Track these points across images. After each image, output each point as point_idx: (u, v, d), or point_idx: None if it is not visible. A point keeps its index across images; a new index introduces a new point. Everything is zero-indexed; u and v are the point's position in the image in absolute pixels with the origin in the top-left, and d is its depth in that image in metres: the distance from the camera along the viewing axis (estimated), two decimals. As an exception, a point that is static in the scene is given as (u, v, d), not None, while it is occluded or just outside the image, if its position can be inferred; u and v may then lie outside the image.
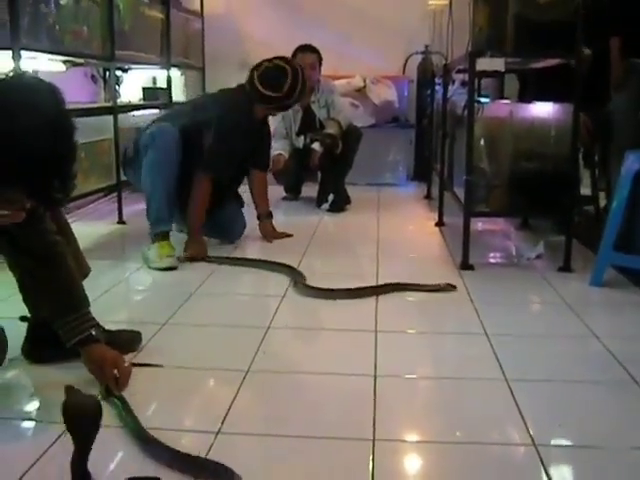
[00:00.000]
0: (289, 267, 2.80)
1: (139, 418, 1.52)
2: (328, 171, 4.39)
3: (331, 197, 4.41)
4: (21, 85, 1.41)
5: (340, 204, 4.34)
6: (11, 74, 1.49)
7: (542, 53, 2.76)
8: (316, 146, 4.21)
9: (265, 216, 3.45)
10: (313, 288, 2.54)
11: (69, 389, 1.30)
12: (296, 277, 2.67)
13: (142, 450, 1.41)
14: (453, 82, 3.85)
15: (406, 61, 5.60)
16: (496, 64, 2.79)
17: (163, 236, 2.97)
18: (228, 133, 3.04)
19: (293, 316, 2.35)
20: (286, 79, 3.13)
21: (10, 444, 1.29)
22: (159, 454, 1.38)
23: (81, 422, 1.25)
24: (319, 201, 4.46)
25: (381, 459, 1.39)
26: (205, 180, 3.05)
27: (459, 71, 3.51)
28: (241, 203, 3.48)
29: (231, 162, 3.13)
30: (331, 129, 4.20)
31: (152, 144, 2.98)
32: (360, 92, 5.21)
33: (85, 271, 1.93)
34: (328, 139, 4.16)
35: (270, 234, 3.42)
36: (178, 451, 1.37)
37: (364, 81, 5.21)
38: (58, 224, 1.79)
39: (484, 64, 2.76)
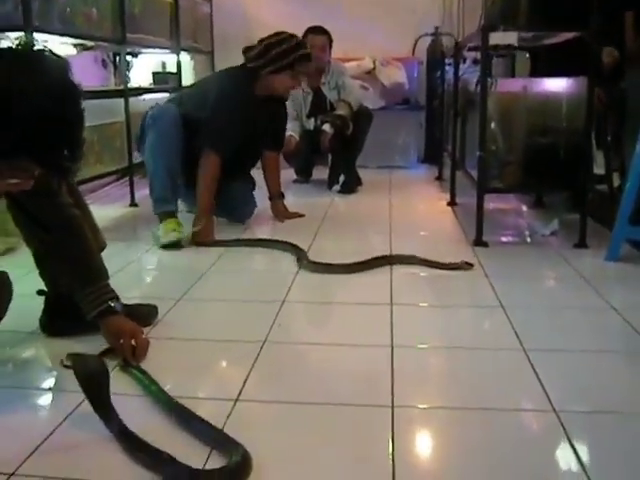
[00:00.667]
0: (292, 245, 2.79)
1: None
2: (339, 153, 4.37)
3: (342, 178, 4.40)
4: (28, 53, 1.41)
5: (351, 185, 4.32)
6: (19, 42, 1.47)
7: (556, 26, 2.73)
8: (327, 128, 4.18)
9: (277, 196, 3.45)
10: (316, 263, 2.56)
11: (71, 356, 1.31)
12: (300, 254, 2.67)
13: (167, 416, 1.43)
14: (464, 61, 3.82)
15: (416, 42, 5.56)
16: (509, 38, 2.76)
17: (168, 215, 2.97)
18: (223, 106, 3.00)
19: (308, 290, 2.34)
20: (271, 37, 3.13)
21: (29, 414, 1.29)
22: (185, 420, 1.40)
23: (93, 379, 1.32)
24: (330, 183, 4.44)
25: (400, 425, 1.39)
26: (208, 158, 2.99)
27: (470, 49, 3.49)
28: (252, 184, 3.48)
29: (230, 136, 3.04)
30: (341, 110, 4.18)
31: (152, 125, 3.00)
32: (370, 74, 5.19)
33: (101, 245, 1.93)
34: (338, 120, 4.14)
35: (282, 214, 3.42)
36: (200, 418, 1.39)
37: (374, 63, 5.19)
38: (74, 198, 1.79)
39: (497, 38, 2.73)
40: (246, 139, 3.18)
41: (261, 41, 3.14)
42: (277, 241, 2.89)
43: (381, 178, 4.81)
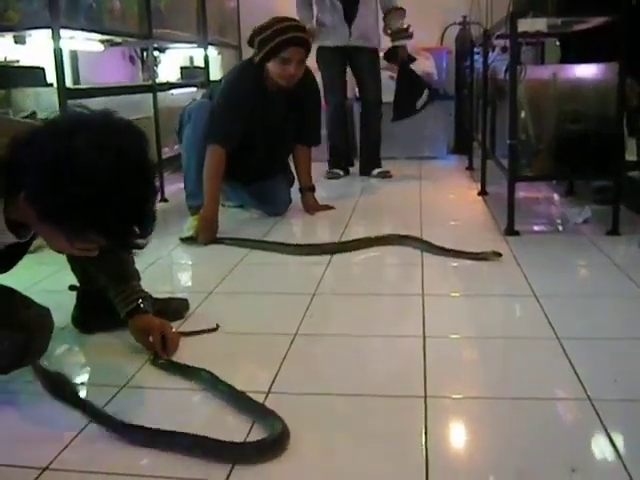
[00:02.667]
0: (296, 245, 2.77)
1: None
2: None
3: (376, 171, 4.43)
4: (107, 124, 1.30)
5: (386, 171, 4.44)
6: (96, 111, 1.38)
7: (586, 11, 2.68)
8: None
9: (307, 189, 3.43)
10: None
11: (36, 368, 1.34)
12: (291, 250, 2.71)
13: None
14: (493, 49, 3.78)
15: (444, 32, 5.51)
16: (538, 25, 2.72)
17: (197, 209, 3.02)
18: (225, 98, 3.00)
19: (339, 282, 2.34)
20: (261, 25, 3.07)
21: (62, 408, 1.30)
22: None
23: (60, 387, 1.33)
24: (366, 169, 4.52)
25: (434, 415, 1.38)
26: (210, 150, 2.96)
27: (499, 37, 3.44)
28: (289, 180, 3.48)
29: (232, 128, 3.00)
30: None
31: (188, 120, 3.04)
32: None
33: None
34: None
35: (312, 207, 3.41)
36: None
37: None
38: None
39: (526, 25, 2.69)
40: (266, 132, 3.16)
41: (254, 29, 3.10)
42: (281, 243, 2.82)
43: (411, 169, 4.78)
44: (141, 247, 1.39)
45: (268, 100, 3.08)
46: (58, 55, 2.87)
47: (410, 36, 4.35)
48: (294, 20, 3.14)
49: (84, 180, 1.21)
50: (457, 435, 1.37)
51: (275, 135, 3.23)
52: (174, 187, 4.19)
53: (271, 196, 3.32)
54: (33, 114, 1.79)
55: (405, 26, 4.33)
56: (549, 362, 1.64)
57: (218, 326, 1.85)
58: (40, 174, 1.23)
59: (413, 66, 4.76)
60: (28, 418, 1.44)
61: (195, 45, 4.71)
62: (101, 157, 1.22)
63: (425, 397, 1.45)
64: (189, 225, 2.98)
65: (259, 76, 3.05)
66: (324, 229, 3.09)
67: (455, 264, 2.48)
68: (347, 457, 1.26)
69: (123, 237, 1.34)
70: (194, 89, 4.58)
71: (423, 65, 5.15)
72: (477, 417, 1.42)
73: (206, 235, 2.89)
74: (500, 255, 2.49)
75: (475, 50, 4.50)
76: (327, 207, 3.43)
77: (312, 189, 3.45)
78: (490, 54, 3.71)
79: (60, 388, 1.32)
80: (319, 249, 2.68)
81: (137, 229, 1.33)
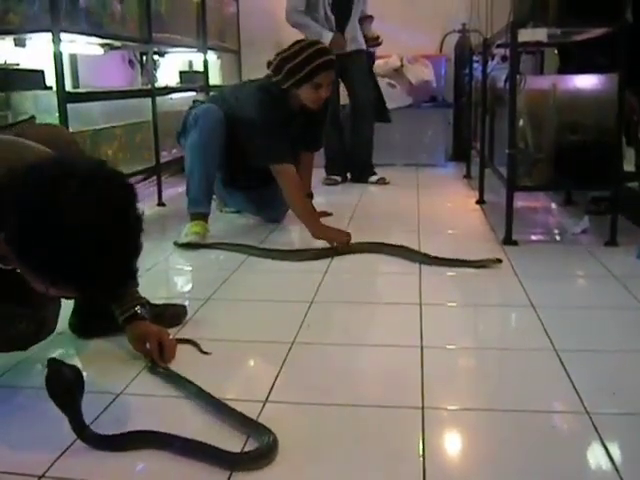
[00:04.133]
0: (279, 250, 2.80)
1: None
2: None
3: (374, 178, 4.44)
4: (96, 179, 1.24)
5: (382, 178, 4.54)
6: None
7: (587, 22, 2.69)
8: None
9: (306, 196, 3.43)
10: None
11: (51, 361, 1.31)
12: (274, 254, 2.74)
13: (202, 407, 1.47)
14: (492, 57, 3.78)
15: (443, 40, 5.52)
16: (538, 35, 2.73)
17: (198, 216, 3.02)
18: (269, 121, 2.96)
19: (336, 291, 2.33)
20: (287, 49, 3.04)
21: (58, 415, 1.29)
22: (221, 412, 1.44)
23: (62, 390, 1.29)
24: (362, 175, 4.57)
25: (431, 426, 1.38)
26: (285, 171, 2.94)
27: (499, 46, 3.45)
28: None
29: (288, 147, 3.01)
30: None
31: (195, 125, 3.01)
32: (397, 72, 5.16)
33: None
34: None
35: None
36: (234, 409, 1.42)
37: (401, 61, 5.16)
38: None
39: (526, 35, 2.70)
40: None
41: (278, 54, 3.06)
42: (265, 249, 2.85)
43: (408, 176, 4.79)
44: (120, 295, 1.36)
45: (289, 120, 3.07)
46: (58, 58, 2.87)
47: (380, 44, 4.64)
48: (319, 43, 3.11)
49: (61, 235, 1.17)
50: (455, 447, 1.36)
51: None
52: (172, 191, 4.21)
53: (270, 202, 3.32)
54: (32, 118, 1.78)
55: (376, 35, 4.59)
56: (546, 374, 1.63)
57: (210, 354, 1.82)
58: (19, 221, 1.20)
59: (413, 72, 4.81)
60: (24, 425, 1.44)
61: (195, 50, 4.71)
62: (82, 213, 1.18)
63: (423, 408, 1.45)
64: (187, 231, 2.97)
65: (285, 98, 3.03)
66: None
67: (452, 273, 2.48)
68: (344, 467, 1.25)
69: (98, 293, 1.32)
70: (193, 93, 4.58)
71: (421, 72, 5.17)
72: (475, 429, 1.41)
73: (346, 239, 2.84)
74: (500, 261, 2.49)
75: (474, 58, 4.51)
76: (324, 213, 3.43)
77: (310, 196, 3.45)
78: (489, 63, 3.72)
79: (63, 393, 1.31)
80: (298, 255, 2.72)
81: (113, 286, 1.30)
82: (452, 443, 1.37)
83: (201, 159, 3.01)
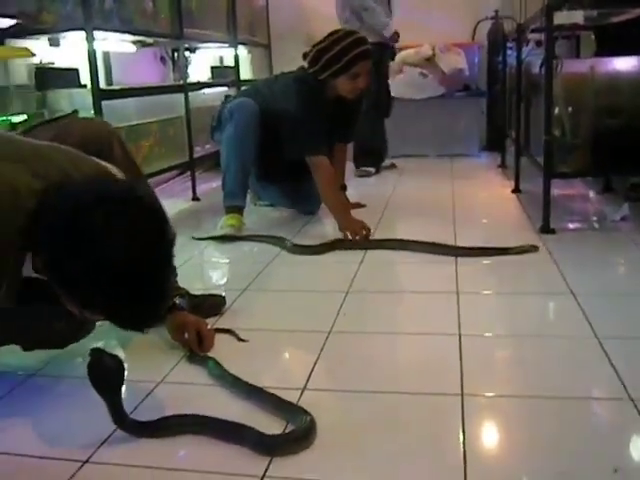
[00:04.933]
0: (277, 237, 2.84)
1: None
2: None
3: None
4: (129, 202, 1.24)
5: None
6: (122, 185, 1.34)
7: (625, 2, 2.63)
8: None
9: (340, 188, 3.41)
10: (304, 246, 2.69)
11: (93, 350, 1.32)
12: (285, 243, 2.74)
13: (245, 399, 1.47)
14: (527, 43, 3.73)
15: (476, 27, 5.45)
16: (575, 17, 2.67)
17: (234, 209, 3.04)
18: (308, 112, 2.95)
19: (372, 280, 2.32)
20: (323, 40, 3.02)
21: (101, 404, 1.31)
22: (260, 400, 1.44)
23: (103, 379, 1.30)
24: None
25: (470, 413, 1.36)
26: (319, 162, 2.95)
27: (533, 31, 3.39)
28: None
29: (324, 138, 3.01)
30: None
31: (231, 119, 3.01)
32: (429, 61, 5.11)
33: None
34: None
35: None
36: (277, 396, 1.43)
37: (433, 50, 5.11)
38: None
39: (562, 18, 2.65)
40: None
41: (314, 45, 3.05)
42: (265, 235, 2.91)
43: (442, 167, 4.75)
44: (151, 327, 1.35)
45: (325, 111, 3.05)
46: (92, 56, 2.90)
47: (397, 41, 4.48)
48: (356, 33, 3.07)
49: (93, 264, 1.17)
50: (495, 434, 1.34)
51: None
52: (206, 186, 4.24)
53: (305, 195, 3.31)
54: (75, 112, 1.81)
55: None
56: (588, 361, 1.60)
57: (247, 341, 1.82)
58: (53, 246, 1.20)
59: (445, 61, 4.76)
60: (69, 412, 1.46)
61: (225, 45, 4.73)
62: (113, 245, 1.18)
63: (462, 395, 1.44)
64: (222, 223, 2.99)
65: (322, 90, 3.03)
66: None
67: (489, 262, 2.45)
68: (383, 454, 1.24)
69: (127, 322, 1.31)
70: (225, 88, 4.59)
71: (454, 61, 5.12)
72: (515, 416, 1.39)
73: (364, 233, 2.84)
74: (537, 248, 2.46)
75: (508, 45, 4.45)
76: (358, 205, 3.41)
77: (344, 188, 3.43)
78: (524, 48, 3.66)
79: (107, 382, 1.32)
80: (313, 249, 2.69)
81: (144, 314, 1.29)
82: (492, 430, 1.36)
83: (237, 152, 3.02)
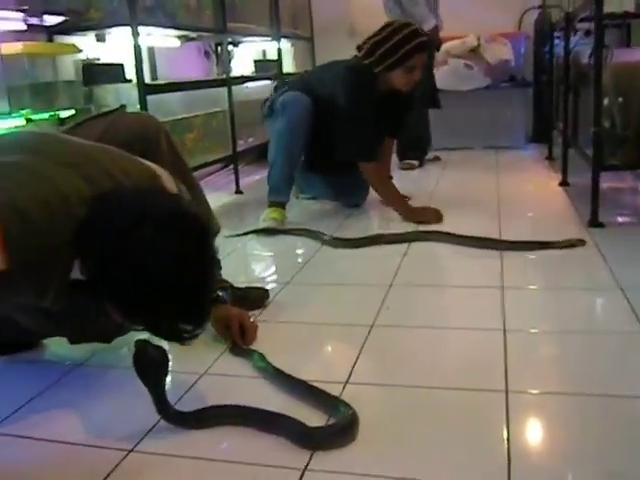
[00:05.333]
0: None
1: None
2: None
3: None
4: (171, 217, 1.25)
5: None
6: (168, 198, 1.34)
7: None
8: None
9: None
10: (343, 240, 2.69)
11: (138, 342, 1.33)
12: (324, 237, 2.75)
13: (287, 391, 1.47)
14: (575, 32, 3.64)
15: (522, 17, 5.36)
16: (626, 4, 2.60)
17: (276, 204, 3.06)
18: (358, 118, 2.94)
19: (415, 274, 2.30)
20: (378, 32, 2.99)
21: (147, 394, 1.33)
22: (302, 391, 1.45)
23: (148, 369, 1.32)
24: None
25: (515, 410, 1.34)
26: (366, 169, 3.01)
27: (582, 20, 3.32)
28: None
29: (372, 142, 3.02)
30: None
31: (283, 112, 3.01)
32: (474, 52, 5.03)
33: (215, 229, 1.96)
34: None
35: None
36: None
37: (478, 40, 5.03)
38: (188, 185, 1.81)
39: (612, 6, 2.58)
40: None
41: (369, 38, 3.02)
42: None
43: (487, 159, 4.68)
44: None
45: (377, 104, 3.03)
46: (137, 52, 2.94)
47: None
48: (411, 25, 3.03)
49: (138, 279, 1.19)
50: (541, 432, 1.32)
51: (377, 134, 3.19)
52: (249, 179, 4.26)
53: (351, 187, 3.30)
54: (122, 107, 1.83)
55: None
56: (638, 358, 1.57)
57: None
58: (100, 259, 1.22)
59: (491, 52, 4.68)
60: (115, 402, 1.49)
61: (268, 38, 4.73)
62: (161, 259, 1.19)
63: (507, 392, 1.41)
64: (265, 216, 3.00)
65: (375, 81, 3.00)
66: (398, 220, 3.04)
67: (534, 256, 2.41)
68: (425, 450, 1.24)
69: (167, 336, 1.32)
70: (268, 82, 4.60)
71: (500, 52, 5.04)
72: (562, 414, 1.36)
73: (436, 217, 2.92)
74: (584, 242, 2.41)
75: (555, 34, 4.36)
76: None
77: (390, 178, 3.40)
78: (572, 38, 3.58)
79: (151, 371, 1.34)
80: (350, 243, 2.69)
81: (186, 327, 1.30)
82: (538, 428, 1.33)
83: (285, 148, 3.02)
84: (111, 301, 1.26)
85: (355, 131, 2.95)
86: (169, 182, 1.50)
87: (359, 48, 3.04)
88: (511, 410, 1.34)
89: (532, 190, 3.69)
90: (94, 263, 1.24)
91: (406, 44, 2.92)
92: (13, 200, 1.20)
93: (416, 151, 4.54)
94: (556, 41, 4.34)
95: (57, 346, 1.73)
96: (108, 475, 1.20)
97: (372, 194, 3.33)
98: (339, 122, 2.96)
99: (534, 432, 1.31)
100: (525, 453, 1.21)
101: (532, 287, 2.13)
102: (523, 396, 1.41)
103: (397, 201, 3.04)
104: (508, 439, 1.24)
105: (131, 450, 1.28)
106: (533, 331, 1.76)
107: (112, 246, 1.20)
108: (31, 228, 1.19)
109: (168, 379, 1.36)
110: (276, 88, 3.22)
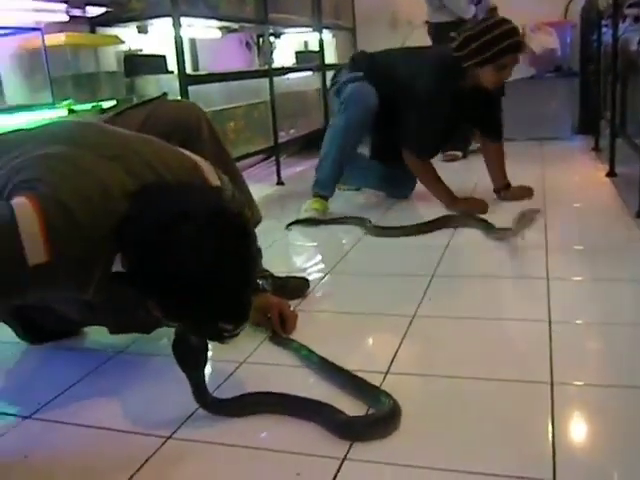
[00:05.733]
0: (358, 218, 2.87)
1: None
2: None
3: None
4: (212, 217, 1.21)
5: None
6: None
7: None
8: None
9: (503, 188, 3.23)
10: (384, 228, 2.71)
11: (178, 330, 1.32)
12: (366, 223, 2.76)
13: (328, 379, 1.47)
14: (624, 19, 3.54)
15: (568, 4, 5.24)
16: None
17: (320, 196, 3.05)
18: (428, 114, 2.89)
19: (458, 264, 2.26)
20: (474, 27, 2.89)
21: (185, 382, 1.32)
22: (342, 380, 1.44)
23: (188, 357, 1.32)
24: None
25: (561, 402, 1.30)
26: (418, 165, 2.98)
27: (631, 6, 3.22)
28: None
29: (434, 144, 2.99)
30: None
31: (345, 109, 2.99)
32: (519, 41, 4.94)
33: (257, 219, 1.95)
34: None
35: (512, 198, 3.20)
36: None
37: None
38: (230, 175, 1.80)
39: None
40: (447, 131, 3.11)
41: (464, 31, 2.91)
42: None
43: (532, 151, 4.60)
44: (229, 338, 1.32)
45: (456, 101, 2.94)
46: (178, 43, 2.95)
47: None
48: (508, 22, 2.91)
49: (178, 278, 1.17)
50: (587, 425, 1.28)
51: (447, 131, 3.16)
52: (290, 171, 4.25)
53: (403, 178, 3.25)
54: (164, 95, 1.83)
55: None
56: (690, 350, 1.51)
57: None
58: (141, 257, 1.21)
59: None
60: (154, 388, 1.49)
61: (310, 29, 4.71)
62: (199, 257, 1.17)
63: (552, 384, 1.38)
64: (307, 206, 3.00)
65: (461, 75, 2.91)
66: (439, 214, 2.99)
67: (580, 247, 2.35)
68: (466, 441, 1.21)
69: (208, 334, 1.30)
70: (309, 73, 4.59)
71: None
72: (609, 407, 1.32)
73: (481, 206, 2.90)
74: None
75: (603, 22, 4.25)
76: (526, 191, 3.20)
77: (508, 186, 3.21)
78: (620, 25, 3.48)
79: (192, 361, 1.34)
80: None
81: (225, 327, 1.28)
82: (584, 421, 1.29)
83: (339, 146, 3.02)
84: (150, 298, 1.25)
85: (420, 120, 2.91)
86: (211, 174, 1.48)
87: (452, 39, 2.95)
88: (556, 402, 1.30)
89: (578, 181, 3.61)
90: (135, 261, 1.23)
91: (501, 42, 2.82)
92: (57, 193, 1.19)
93: (460, 142, 4.47)
94: (604, 29, 4.24)
95: (98, 334, 1.74)
96: (146, 461, 1.20)
97: (420, 186, 3.29)
98: (410, 107, 2.91)
99: (580, 425, 1.27)
100: (570, 447, 1.18)
101: (577, 278, 2.07)
102: (568, 388, 1.37)
103: (444, 197, 2.99)
104: (553, 432, 1.20)
105: (169, 437, 1.28)
106: (579, 322, 1.71)
107: (151, 244, 1.19)
108: (74, 222, 1.18)
109: (207, 367, 1.36)
110: (352, 60, 3.15)
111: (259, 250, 1.81)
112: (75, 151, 1.32)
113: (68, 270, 1.20)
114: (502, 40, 2.82)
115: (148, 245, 1.19)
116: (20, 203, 1.17)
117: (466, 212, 2.81)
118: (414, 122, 2.94)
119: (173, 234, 1.17)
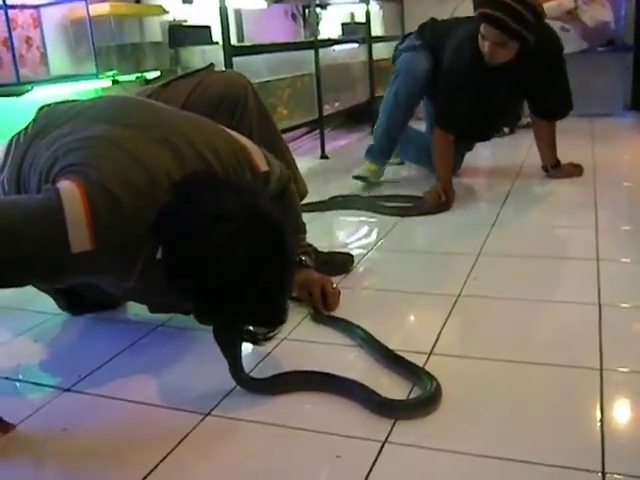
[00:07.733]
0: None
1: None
2: None
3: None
4: (248, 218, 1.18)
5: None
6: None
7: None
8: None
9: (552, 166, 3.12)
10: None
11: None
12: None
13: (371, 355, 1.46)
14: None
15: (624, -24, 5.07)
16: None
17: (375, 161, 3.07)
18: (454, 89, 2.79)
19: (506, 243, 2.20)
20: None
21: (224, 361, 1.31)
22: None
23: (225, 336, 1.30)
24: None
25: (610, 389, 1.26)
26: (439, 135, 2.85)
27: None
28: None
29: (461, 116, 2.83)
30: None
31: (395, 80, 2.98)
32: (571, 14, 4.77)
33: (302, 192, 1.92)
34: None
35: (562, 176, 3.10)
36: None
37: (575, 1, 4.77)
38: (277, 148, 1.76)
39: None
40: (487, 108, 2.92)
41: None
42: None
43: (582, 127, 4.47)
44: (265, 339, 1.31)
45: (491, 73, 2.75)
46: (223, 13, 2.92)
47: None
48: None
49: (210, 282, 1.15)
50: (635, 411, 1.23)
51: (495, 114, 3.05)
52: (335, 144, 4.21)
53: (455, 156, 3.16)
54: (211, 65, 1.81)
55: None
56: None
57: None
58: (172, 256, 1.18)
59: (589, 14, 4.44)
60: (192, 363, 1.49)
61: (357, 0, 4.63)
62: (232, 263, 1.14)
63: (601, 370, 1.33)
64: (365, 167, 3.05)
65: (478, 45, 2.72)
66: (485, 191, 2.93)
67: (628, 227, 2.27)
68: (509, 426, 1.18)
69: (245, 336, 1.30)
70: (355, 45, 4.52)
71: (599, 13, 4.78)
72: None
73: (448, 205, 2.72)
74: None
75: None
76: (576, 168, 3.12)
77: (557, 165, 3.11)
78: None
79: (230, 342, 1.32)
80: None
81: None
82: (635, 409, 1.24)
83: (389, 117, 3.01)
84: (184, 295, 1.22)
85: (445, 88, 2.83)
86: (259, 157, 1.46)
87: None
88: (605, 389, 1.26)
89: (629, 159, 3.51)
90: (169, 257, 1.20)
91: (480, 6, 2.62)
92: (103, 179, 1.18)
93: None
94: (662, 0, 4.08)
95: (138, 307, 1.74)
96: (185, 436, 1.20)
97: (466, 162, 3.23)
98: (440, 86, 2.85)
99: (631, 413, 1.23)
100: (620, 435, 1.14)
101: (628, 260, 2.00)
102: (619, 375, 1.33)
103: (439, 176, 2.82)
104: (601, 419, 1.17)
105: (208, 414, 1.27)
106: (629, 306, 1.65)
107: (186, 245, 1.16)
108: (119, 211, 1.17)
109: (247, 345, 1.34)
110: (420, 27, 3.06)
111: (303, 224, 1.79)
112: (121, 132, 1.30)
113: (111, 259, 1.20)
114: (481, 5, 2.62)
115: (182, 246, 1.17)
116: (67, 187, 1.17)
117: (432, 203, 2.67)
118: (440, 91, 2.86)
119: (206, 238, 1.15)
